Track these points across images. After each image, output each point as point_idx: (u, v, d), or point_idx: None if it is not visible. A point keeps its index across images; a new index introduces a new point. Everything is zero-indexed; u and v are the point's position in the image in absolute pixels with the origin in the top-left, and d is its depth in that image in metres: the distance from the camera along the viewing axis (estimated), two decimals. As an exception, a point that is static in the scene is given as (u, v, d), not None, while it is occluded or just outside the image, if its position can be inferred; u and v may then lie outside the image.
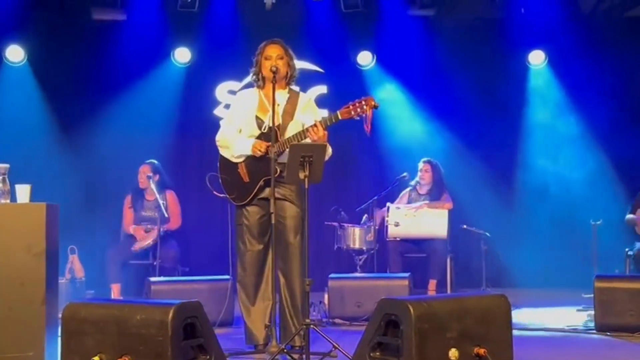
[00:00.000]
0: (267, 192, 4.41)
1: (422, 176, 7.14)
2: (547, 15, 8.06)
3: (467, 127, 8.21)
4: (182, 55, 8.12)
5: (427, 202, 7.02)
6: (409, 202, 7.14)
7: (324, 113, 4.50)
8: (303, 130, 4.37)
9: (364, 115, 4.28)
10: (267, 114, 4.47)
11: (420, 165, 7.17)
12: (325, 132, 4.33)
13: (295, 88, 4.72)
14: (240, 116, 4.60)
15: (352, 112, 4.29)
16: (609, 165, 8.08)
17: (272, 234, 4.27)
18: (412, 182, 7.19)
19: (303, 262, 4.38)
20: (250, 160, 4.49)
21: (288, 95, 4.56)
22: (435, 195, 7.10)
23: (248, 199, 4.51)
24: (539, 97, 8.42)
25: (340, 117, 4.31)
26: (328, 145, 4.41)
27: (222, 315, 5.28)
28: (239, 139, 4.53)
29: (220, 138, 4.63)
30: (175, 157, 8.04)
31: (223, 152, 4.62)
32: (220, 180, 4.61)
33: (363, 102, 4.28)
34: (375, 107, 4.28)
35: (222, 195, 4.61)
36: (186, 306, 3.44)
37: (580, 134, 8.23)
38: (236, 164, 4.54)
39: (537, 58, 8.32)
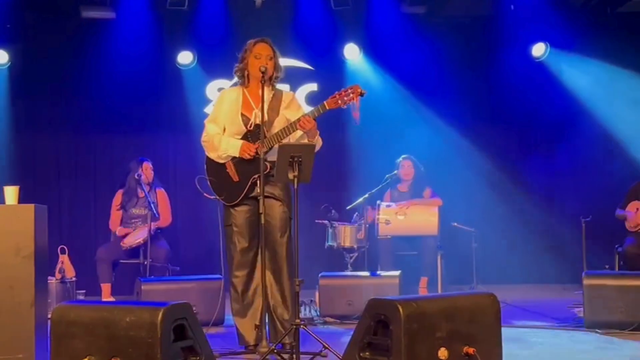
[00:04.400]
0: (257, 190, 4.40)
1: (406, 172, 7.13)
2: (537, 11, 8.07)
3: (457, 125, 8.22)
4: (184, 58, 8.10)
5: (417, 199, 7.03)
6: (392, 201, 7.14)
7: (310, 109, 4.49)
8: (291, 124, 4.37)
9: (351, 103, 4.27)
10: (252, 112, 4.47)
11: (402, 162, 7.16)
12: (315, 123, 4.34)
13: (278, 86, 4.70)
14: (224, 115, 4.56)
15: (339, 101, 4.28)
16: (600, 161, 8.11)
17: (262, 233, 4.27)
18: (390, 181, 7.16)
19: (292, 261, 4.38)
20: (239, 159, 4.48)
21: (272, 92, 4.55)
22: (416, 191, 7.10)
23: (239, 199, 4.49)
24: (532, 91, 8.43)
25: (327, 107, 4.31)
26: (319, 137, 4.43)
27: (213, 315, 5.28)
28: (225, 140, 4.50)
29: (207, 139, 4.58)
30: (166, 156, 8.04)
31: (209, 153, 4.59)
32: (208, 183, 4.59)
33: (349, 90, 4.28)
34: (362, 94, 4.27)
35: (212, 197, 4.59)
36: (175, 308, 3.43)
37: (571, 130, 8.25)
38: (223, 163, 4.53)
39: (539, 50, 8.31)
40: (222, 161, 4.52)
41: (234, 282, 4.56)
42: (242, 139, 4.48)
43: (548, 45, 8.23)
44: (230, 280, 4.58)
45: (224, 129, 4.55)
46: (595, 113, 8.08)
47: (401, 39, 8.16)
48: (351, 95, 4.26)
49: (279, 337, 4.36)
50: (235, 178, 4.49)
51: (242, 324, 4.54)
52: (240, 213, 4.51)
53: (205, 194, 4.62)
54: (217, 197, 4.56)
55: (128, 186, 6.89)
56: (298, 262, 4.08)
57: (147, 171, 6.83)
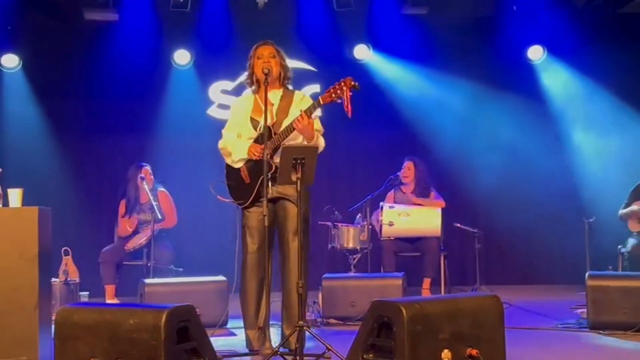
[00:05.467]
0: (271, 192, 4.39)
1: (405, 173, 7.14)
2: (539, 12, 8.08)
3: (460, 125, 8.22)
4: (181, 57, 8.10)
5: (420, 199, 7.02)
6: (395, 202, 7.14)
7: (318, 110, 4.46)
8: (290, 123, 4.35)
9: (343, 97, 4.20)
10: (261, 115, 4.47)
11: (405, 163, 7.17)
12: (311, 121, 4.31)
13: (291, 87, 4.70)
14: (238, 121, 4.61)
15: (333, 95, 4.23)
16: (602, 162, 8.10)
17: (267, 235, 4.25)
18: (395, 182, 7.16)
19: (300, 263, 4.31)
20: (252, 162, 4.48)
21: (282, 93, 4.55)
22: (420, 193, 7.11)
23: (250, 200, 4.49)
24: (532, 93, 8.44)
25: (321, 102, 4.27)
26: (320, 138, 4.42)
27: (217, 317, 5.28)
28: (237, 144, 4.54)
29: (222, 146, 4.64)
30: (169, 158, 8.03)
31: (226, 159, 4.63)
32: (227, 188, 4.60)
33: (342, 84, 4.22)
34: (354, 87, 4.20)
35: (228, 200, 4.61)
36: (179, 310, 3.44)
37: (573, 130, 8.24)
38: (239, 168, 4.55)
39: (536, 53, 8.34)
40: (236, 166, 4.55)
41: (245, 283, 4.54)
42: (254, 142, 4.49)
43: (545, 48, 8.25)
44: (242, 281, 4.57)
45: (239, 136, 4.58)
46: (594, 113, 8.08)
47: (403, 40, 8.16)
48: (344, 88, 4.21)
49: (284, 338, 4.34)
50: (247, 180, 4.50)
51: (247, 324, 4.53)
52: (254, 215, 4.49)
53: (218, 197, 4.63)
54: (234, 201, 4.57)
55: (128, 195, 6.91)
56: (300, 264, 4.08)
57: (147, 175, 6.84)
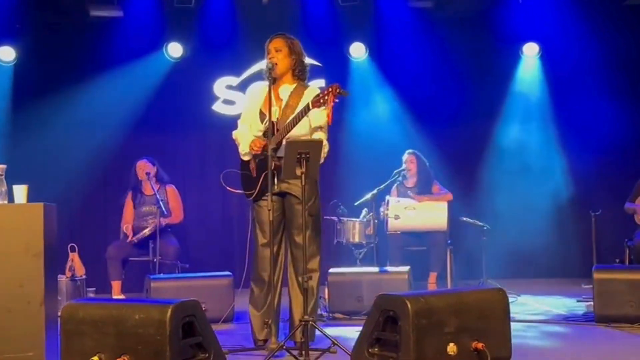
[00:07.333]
0: (280, 187, 4.38)
1: (408, 167, 7.11)
2: (545, 5, 8.04)
3: (465, 119, 8.20)
4: (174, 49, 8.10)
5: (427, 195, 7.01)
6: (398, 197, 7.12)
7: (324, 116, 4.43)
8: (292, 119, 4.28)
9: (326, 105, 4.13)
10: (270, 109, 4.44)
11: (405, 157, 7.15)
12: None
13: (305, 82, 4.61)
14: (250, 112, 4.57)
15: (321, 101, 4.16)
16: (608, 155, 8.07)
17: (271, 230, 4.24)
18: (399, 177, 7.13)
19: (306, 259, 4.29)
20: (260, 155, 4.45)
21: (293, 88, 4.50)
22: (423, 187, 7.09)
23: (255, 194, 4.47)
24: (536, 88, 8.41)
25: (311, 108, 4.22)
26: (325, 142, 4.39)
27: (222, 312, 5.29)
28: (245, 138, 4.50)
29: (234, 136, 4.61)
30: (174, 153, 8.06)
31: (239, 150, 4.61)
32: (240, 177, 4.59)
33: (330, 90, 4.13)
34: (341, 93, 4.12)
35: (237, 191, 4.61)
36: (184, 305, 3.44)
37: (579, 124, 8.21)
38: (249, 160, 4.54)
39: (531, 50, 8.33)
40: (245, 158, 4.53)
41: (255, 277, 4.54)
42: (263, 136, 4.46)
43: (540, 45, 8.24)
44: (252, 275, 4.56)
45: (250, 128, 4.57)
46: (599, 106, 8.05)
47: (409, 34, 8.14)
48: (330, 95, 4.12)
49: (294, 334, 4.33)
50: (254, 174, 4.49)
51: (254, 319, 4.52)
52: (264, 209, 4.44)
53: (228, 188, 4.64)
54: (245, 192, 4.57)
55: (132, 185, 6.94)
56: (306, 259, 4.08)
57: (140, 170, 6.85)
